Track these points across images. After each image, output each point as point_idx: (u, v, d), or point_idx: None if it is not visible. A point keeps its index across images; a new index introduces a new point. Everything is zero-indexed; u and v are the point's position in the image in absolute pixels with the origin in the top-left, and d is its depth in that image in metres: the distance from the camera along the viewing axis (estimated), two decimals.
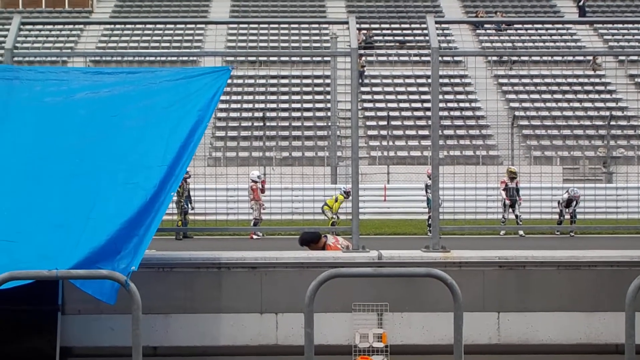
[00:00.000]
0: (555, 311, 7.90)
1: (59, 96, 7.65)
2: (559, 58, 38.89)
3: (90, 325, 7.71)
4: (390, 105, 37.55)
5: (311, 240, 9.07)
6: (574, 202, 22.83)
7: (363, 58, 38.18)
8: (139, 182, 6.77)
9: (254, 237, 22.35)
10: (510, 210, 23.01)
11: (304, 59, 37.18)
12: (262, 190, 23.01)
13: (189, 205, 22.52)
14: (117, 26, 42.17)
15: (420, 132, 35.57)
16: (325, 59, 35.58)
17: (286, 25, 42.13)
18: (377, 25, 45.29)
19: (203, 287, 7.83)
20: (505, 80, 38.27)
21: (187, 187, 22.34)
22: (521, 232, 22.18)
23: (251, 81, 33.49)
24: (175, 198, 20.49)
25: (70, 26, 42.88)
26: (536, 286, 7.91)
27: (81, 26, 42.65)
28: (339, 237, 9.20)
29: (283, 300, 7.81)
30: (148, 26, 42.27)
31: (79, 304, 7.60)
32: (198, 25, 43.31)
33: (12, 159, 7.05)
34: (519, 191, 22.87)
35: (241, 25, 43.17)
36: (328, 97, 34.18)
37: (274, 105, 34.31)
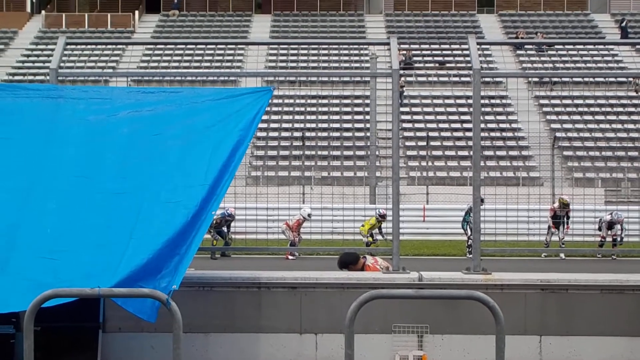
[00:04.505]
0: (598, 335, 7.78)
1: (102, 114, 7.68)
2: (601, 79, 38.53)
3: (131, 343, 7.73)
4: (429, 125, 37.47)
5: (350, 262, 9.00)
6: (617, 225, 22.52)
7: (402, 78, 38.16)
8: (181, 200, 6.78)
9: (290, 257, 22.28)
10: (555, 231, 22.79)
11: (344, 79, 37.23)
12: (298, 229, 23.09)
13: (227, 235, 22.95)
14: (159, 46, 42.72)
15: (460, 153, 35.43)
16: (365, 79, 35.63)
17: (326, 46, 42.34)
18: (416, 46, 45.31)
19: (243, 307, 7.82)
20: (546, 102, 38.00)
21: (227, 224, 22.75)
22: (562, 255, 21.95)
23: (291, 101, 33.64)
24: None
25: (113, 46, 43.53)
26: (579, 310, 7.80)
27: (123, 46, 43.27)
28: (378, 258, 9.12)
29: (323, 320, 7.77)
30: (189, 46, 42.78)
31: (120, 322, 7.63)
32: (239, 46, 43.69)
33: (57, 176, 7.11)
34: (569, 219, 22.52)
35: (281, 46, 43.47)
36: (367, 117, 34.18)
37: (313, 125, 34.39)
